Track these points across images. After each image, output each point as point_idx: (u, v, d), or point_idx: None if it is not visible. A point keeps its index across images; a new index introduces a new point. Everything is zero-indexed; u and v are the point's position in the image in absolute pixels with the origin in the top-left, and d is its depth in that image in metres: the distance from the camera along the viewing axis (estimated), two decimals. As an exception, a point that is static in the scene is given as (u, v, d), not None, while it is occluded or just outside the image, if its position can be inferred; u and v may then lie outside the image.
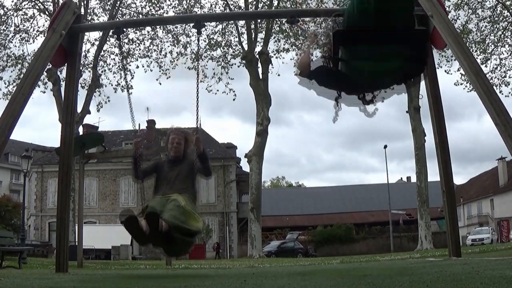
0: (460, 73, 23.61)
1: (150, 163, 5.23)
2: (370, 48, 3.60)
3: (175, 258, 4.82)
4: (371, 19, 3.45)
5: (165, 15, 24.01)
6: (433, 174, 31.37)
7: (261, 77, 24.34)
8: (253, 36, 24.61)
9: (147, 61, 25.32)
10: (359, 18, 3.52)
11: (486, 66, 24.41)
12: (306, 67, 4.14)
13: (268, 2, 24.39)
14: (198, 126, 5.43)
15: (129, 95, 5.73)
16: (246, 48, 24.57)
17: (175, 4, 24.56)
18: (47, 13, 23.78)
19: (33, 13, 24.29)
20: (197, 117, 5.17)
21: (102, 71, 24.91)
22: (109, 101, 25.19)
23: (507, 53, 24.92)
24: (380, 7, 3.39)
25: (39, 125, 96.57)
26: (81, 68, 21.18)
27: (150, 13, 24.34)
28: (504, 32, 24.48)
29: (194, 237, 4.63)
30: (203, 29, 6.48)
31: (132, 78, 25.58)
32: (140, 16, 24.25)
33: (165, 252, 4.77)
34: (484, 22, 24.36)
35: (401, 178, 66.45)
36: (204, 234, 33.21)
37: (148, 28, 24.54)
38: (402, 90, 4.21)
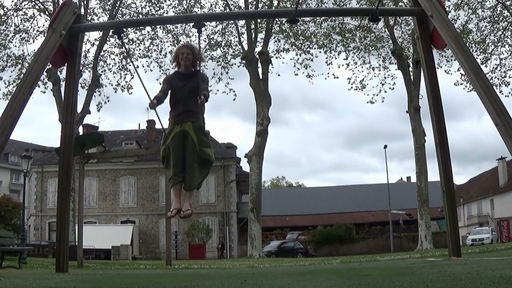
0: (460, 73, 23.64)
1: (163, 84, 5.25)
2: None
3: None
4: None
5: (165, 15, 24.02)
6: (433, 174, 31.47)
7: (261, 77, 24.34)
8: (253, 36, 24.61)
9: (147, 61, 25.35)
10: None
11: (486, 66, 24.45)
12: None
13: (268, 2, 24.39)
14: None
15: (140, 77, 5.85)
16: (246, 48, 24.57)
17: (175, 4, 24.60)
18: (47, 13, 23.77)
19: (33, 13, 24.30)
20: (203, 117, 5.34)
21: (102, 71, 24.93)
22: (108, 101, 25.25)
23: (507, 53, 24.95)
24: None
25: (39, 125, 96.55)
26: (81, 68, 21.20)
27: (150, 13, 24.34)
28: (504, 32, 24.49)
29: (209, 167, 5.07)
30: (203, 29, 6.48)
31: (133, 77, 25.58)
32: (140, 16, 24.25)
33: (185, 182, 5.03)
34: (484, 22, 24.38)
35: (401, 178, 66.44)
36: (204, 234, 33.24)
37: (148, 28, 24.55)
38: None
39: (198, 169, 4.90)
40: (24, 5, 24.08)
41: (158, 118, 5.57)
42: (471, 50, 17.61)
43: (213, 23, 24.17)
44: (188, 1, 24.66)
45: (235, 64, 25.38)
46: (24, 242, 19.42)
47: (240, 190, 40.44)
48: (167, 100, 5.13)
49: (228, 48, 25.42)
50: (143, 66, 25.69)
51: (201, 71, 5.33)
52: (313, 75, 25.62)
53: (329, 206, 49.13)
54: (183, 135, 4.92)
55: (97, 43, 24.33)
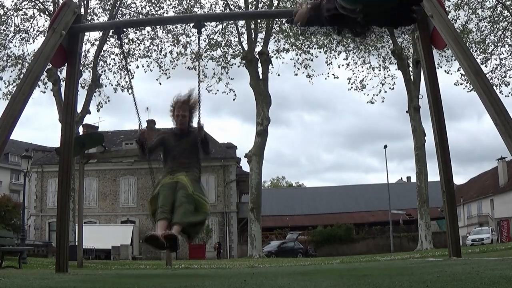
0: (460, 73, 23.63)
1: (156, 138, 5.19)
2: None
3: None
4: None
5: (165, 15, 24.02)
6: (433, 174, 31.41)
7: (261, 77, 24.34)
8: (253, 36, 24.60)
9: (147, 61, 25.34)
10: None
11: (486, 66, 24.43)
12: (304, 17, 4.12)
13: (268, 2, 24.39)
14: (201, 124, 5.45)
15: (133, 93, 5.71)
16: (246, 48, 24.57)
17: (175, 4, 24.59)
18: (47, 13, 23.77)
19: (33, 13, 24.30)
20: (199, 117, 5.18)
21: (102, 71, 24.93)
22: (109, 101, 25.23)
23: (507, 53, 24.94)
24: None
25: (39, 125, 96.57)
26: (81, 68, 21.20)
27: (150, 13, 24.33)
28: (504, 32, 24.48)
29: (204, 222, 4.78)
30: (203, 29, 6.47)
31: (133, 77, 25.57)
32: (140, 16, 24.25)
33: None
34: (484, 22, 24.37)
35: (401, 178, 66.43)
36: (204, 234, 33.24)
37: (148, 28, 24.54)
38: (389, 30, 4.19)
39: (192, 211, 4.47)
40: (24, 5, 24.10)
41: (143, 148, 5.11)
42: (471, 50, 17.61)
43: (213, 23, 24.17)
44: (188, 1, 24.67)
45: (235, 64, 25.40)
46: (24, 242, 19.42)
47: (240, 190, 40.43)
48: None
49: (228, 48, 25.44)
50: (143, 66, 25.75)
51: (201, 137, 4.99)
52: (313, 75, 25.63)
53: (329, 206, 49.11)
54: (175, 183, 4.62)
55: (97, 43, 24.34)
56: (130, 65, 24.90)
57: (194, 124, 5.07)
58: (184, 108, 5.01)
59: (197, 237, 4.89)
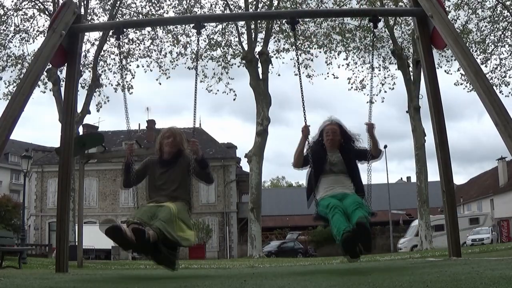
0: (460, 73, 23.62)
1: (140, 165, 4.86)
2: None
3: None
4: None
5: (165, 15, 24.02)
6: (433, 174, 31.41)
7: (261, 77, 24.33)
8: (253, 36, 24.61)
9: (147, 61, 25.33)
10: None
11: (486, 66, 24.42)
12: (300, 163, 5.03)
13: (268, 2, 24.39)
14: (196, 126, 5.30)
15: (125, 97, 5.37)
16: (246, 48, 24.57)
17: (175, 4, 24.59)
18: (47, 13, 23.76)
19: (33, 13, 24.29)
20: (195, 118, 4.98)
21: (102, 71, 24.92)
22: (108, 101, 25.21)
23: (507, 53, 24.93)
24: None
25: (39, 125, 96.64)
26: (81, 68, 21.21)
27: (150, 13, 24.33)
28: (504, 32, 24.47)
29: (178, 251, 4.45)
30: (203, 29, 6.48)
31: (133, 77, 25.58)
32: (140, 16, 24.24)
33: (152, 259, 4.43)
34: (484, 22, 24.36)
35: (401, 178, 66.42)
36: (204, 234, 33.22)
37: (148, 28, 24.53)
38: None
39: (173, 229, 4.09)
40: (24, 5, 24.09)
41: (130, 171, 4.83)
42: (471, 50, 17.63)
43: (213, 23, 24.16)
44: (188, 1, 24.67)
45: (235, 64, 25.40)
46: (24, 242, 19.43)
47: (240, 190, 40.43)
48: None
49: (228, 48, 25.43)
50: (143, 66, 25.72)
51: (198, 158, 4.61)
52: (313, 75, 25.63)
53: (329, 206, 49.05)
54: (158, 206, 4.27)
55: (97, 43, 24.34)
56: (130, 65, 24.95)
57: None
58: (171, 133, 4.74)
59: (166, 266, 4.45)
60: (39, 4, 24.13)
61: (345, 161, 4.93)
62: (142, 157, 5.24)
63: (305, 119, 5.04)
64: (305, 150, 4.95)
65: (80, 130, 26.10)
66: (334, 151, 5.00)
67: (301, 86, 5.19)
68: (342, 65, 25.96)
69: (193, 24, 6.02)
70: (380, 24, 23.68)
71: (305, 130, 4.93)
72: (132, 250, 4.20)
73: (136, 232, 3.90)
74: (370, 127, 5.09)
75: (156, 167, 4.73)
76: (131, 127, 5.40)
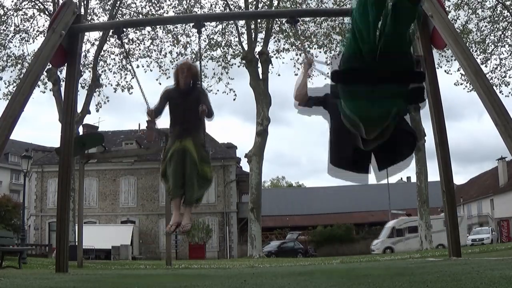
0: (460, 73, 23.59)
1: (160, 99, 5.25)
2: (368, 88, 3.58)
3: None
4: (368, 61, 3.43)
5: (165, 15, 24.02)
6: (433, 174, 31.34)
7: (261, 77, 24.33)
8: (253, 36, 24.60)
9: (147, 61, 25.32)
10: (355, 59, 3.49)
11: (486, 66, 24.39)
12: (304, 97, 4.29)
13: (268, 2, 24.39)
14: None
15: (137, 80, 5.74)
16: (246, 48, 24.57)
17: (175, 4, 24.58)
18: (47, 13, 23.76)
19: (33, 13, 24.29)
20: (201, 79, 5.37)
21: (102, 71, 24.92)
22: (108, 101, 25.20)
23: (507, 53, 24.91)
24: (379, 49, 3.38)
25: (39, 125, 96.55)
26: (81, 68, 21.20)
27: (150, 13, 24.33)
28: (504, 32, 24.46)
29: (208, 183, 5.02)
30: (203, 29, 6.48)
31: (133, 77, 25.57)
32: (140, 16, 24.24)
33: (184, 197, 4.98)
34: (484, 22, 24.35)
35: (401, 178, 66.31)
36: (204, 234, 33.22)
37: (148, 28, 24.53)
38: (408, 163, 4.23)
39: (198, 183, 4.87)
40: (24, 5, 24.08)
41: (154, 125, 5.58)
42: (471, 50, 17.61)
43: (213, 23, 24.17)
44: (188, 1, 24.67)
45: (235, 64, 25.39)
46: (24, 242, 19.42)
47: (240, 190, 40.41)
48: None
49: (228, 48, 25.42)
50: (143, 66, 25.71)
51: (201, 86, 5.32)
52: (313, 75, 25.58)
53: (329, 206, 49.08)
54: (183, 151, 4.87)
55: (97, 43, 24.33)
56: (130, 65, 24.94)
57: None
58: (188, 67, 5.18)
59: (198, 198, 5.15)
60: (39, 4, 24.13)
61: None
62: (143, 157, 5.32)
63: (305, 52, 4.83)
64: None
65: (80, 130, 26.10)
66: None
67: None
68: (342, 65, 25.90)
69: (193, 24, 6.02)
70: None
71: (309, 62, 4.68)
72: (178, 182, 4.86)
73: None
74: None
75: (174, 96, 5.12)
76: (135, 125, 5.67)
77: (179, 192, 4.81)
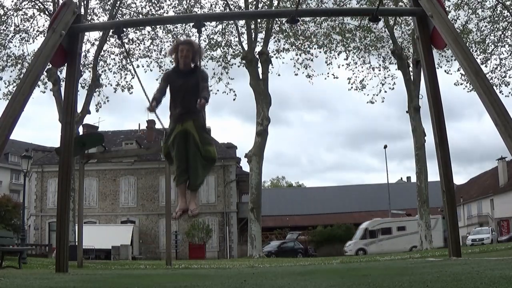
0: (460, 73, 23.62)
1: (161, 81, 5.26)
2: None
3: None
4: None
5: (165, 15, 24.02)
6: (433, 174, 31.42)
7: (261, 77, 24.33)
8: (253, 36, 24.61)
9: (147, 61, 25.34)
10: None
11: (486, 66, 24.41)
12: None
13: (268, 2, 24.39)
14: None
15: (138, 79, 5.88)
16: (246, 48, 24.57)
17: (175, 4, 24.59)
18: (47, 13, 23.76)
19: (33, 13, 24.28)
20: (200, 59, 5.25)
21: (102, 71, 24.92)
22: (108, 101, 25.19)
23: (507, 53, 24.93)
24: None
25: (39, 125, 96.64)
26: (81, 68, 21.20)
27: (150, 13, 24.33)
28: (504, 32, 24.47)
29: (212, 164, 5.05)
30: (203, 29, 6.49)
31: (133, 77, 25.57)
32: (140, 16, 24.24)
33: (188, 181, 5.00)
34: (484, 22, 24.36)
35: (401, 178, 66.39)
36: (204, 234, 33.22)
37: (148, 28, 24.54)
38: None
39: (201, 167, 4.90)
40: (24, 5, 24.08)
41: (158, 119, 5.50)
42: (471, 50, 17.61)
43: (213, 23, 24.18)
44: (188, 1, 24.67)
45: (235, 64, 25.40)
46: (24, 242, 19.42)
47: (240, 190, 40.42)
48: (166, 99, 5.11)
49: (228, 48, 25.44)
50: (143, 66, 25.72)
51: (201, 67, 5.22)
52: (313, 75, 25.59)
53: (329, 206, 49.11)
54: (185, 134, 4.86)
55: (97, 43, 24.33)
56: (130, 65, 24.94)
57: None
58: (188, 45, 5.04)
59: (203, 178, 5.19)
60: (39, 4, 24.13)
61: None
62: (143, 157, 5.31)
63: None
64: None
65: (80, 130, 26.10)
66: None
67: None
68: (342, 65, 25.97)
69: (193, 23, 6.02)
70: (380, 24, 23.84)
71: None
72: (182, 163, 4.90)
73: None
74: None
75: (174, 78, 5.05)
76: (135, 125, 5.62)
77: (184, 177, 4.83)
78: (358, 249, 32.46)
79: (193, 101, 4.87)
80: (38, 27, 24.46)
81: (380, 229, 33.35)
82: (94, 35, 25.37)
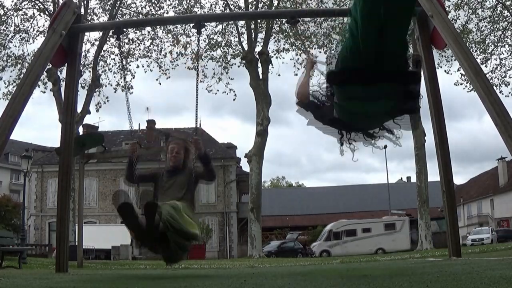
0: (460, 73, 23.61)
1: (149, 171, 5.02)
2: (363, 88, 3.62)
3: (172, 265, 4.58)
4: (365, 61, 3.45)
5: (165, 15, 24.01)
6: (433, 174, 31.39)
7: (261, 77, 24.33)
8: (253, 36, 24.60)
9: (147, 61, 25.34)
10: (352, 59, 3.51)
11: (486, 66, 24.40)
12: (305, 97, 4.26)
13: (268, 2, 24.38)
14: (197, 126, 5.37)
15: (127, 97, 5.43)
16: (246, 48, 24.56)
17: (175, 4, 24.58)
18: (47, 13, 23.76)
19: (33, 13, 24.29)
20: (196, 118, 5.04)
21: (102, 71, 24.92)
22: (108, 101, 25.19)
23: (507, 53, 24.92)
24: (375, 49, 3.39)
25: (39, 125, 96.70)
26: (81, 68, 21.18)
27: (150, 13, 24.32)
28: (504, 32, 24.46)
29: (190, 242, 4.39)
30: (203, 29, 6.48)
31: (133, 77, 25.58)
32: (140, 16, 24.24)
33: (161, 255, 4.53)
34: (484, 22, 24.35)
35: (401, 178, 66.44)
36: (204, 234, 33.21)
37: (148, 28, 24.53)
38: (407, 127, 4.25)
39: (176, 241, 4.15)
40: (24, 5, 24.08)
41: (133, 169, 4.83)
42: (471, 50, 17.59)
43: (213, 23, 24.16)
44: (188, 1, 24.66)
45: (235, 64, 25.39)
46: (24, 242, 19.42)
47: (240, 190, 40.43)
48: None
49: (228, 48, 25.43)
50: (143, 66, 25.72)
51: (200, 154, 4.71)
52: (313, 75, 25.60)
53: (329, 206, 49.12)
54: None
55: (97, 43, 24.33)
56: (130, 65, 24.95)
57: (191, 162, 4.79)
58: (179, 145, 4.85)
59: (176, 260, 4.51)
60: (39, 4, 24.13)
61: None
62: (143, 157, 5.22)
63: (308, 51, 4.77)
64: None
65: (80, 130, 26.10)
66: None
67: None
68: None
69: (193, 24, 6.02)
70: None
71: (311, 62, 4.60)
72: (142, 235, 4.12)
73: (148, 206, 3.96)
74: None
75: (163, 176, 4.80)
76: (133, 127, 5.40)
77: (154, 201, 4.25)
78: (322, 251, 32.28)
79: (181, 193, 4.57)
80: (38, 27, 24.49)
81: (344, 231, 33.12)
82: (94, 35, 25.39)
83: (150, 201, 4.08)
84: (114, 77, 30.95)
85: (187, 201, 4.57)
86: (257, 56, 24.42)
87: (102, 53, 24.71)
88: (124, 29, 7.49)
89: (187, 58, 24.55)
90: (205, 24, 7.54)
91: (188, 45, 24.58)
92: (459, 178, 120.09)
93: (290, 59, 25.76)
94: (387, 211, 38.46)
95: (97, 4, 24.86)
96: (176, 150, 4.81)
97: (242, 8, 24.32)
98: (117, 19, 22.66)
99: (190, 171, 4.73)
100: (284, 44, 25.24)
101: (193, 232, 4.24)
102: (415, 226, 33.08)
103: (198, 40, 6.17)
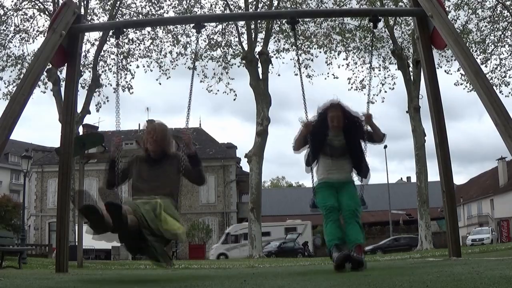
0: (460, 73, 23.59)
1: (125, 164, 4.46)
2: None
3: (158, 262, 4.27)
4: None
5: (165, 15, 24.01)
6: (433, 174, 31.40)
7: (261, 77, 24.31)
8: (253, 36, 24.59)
9: (147, 61, 25.32)
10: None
11: (486, 66, 24.39)
12: (300, 149, 5.05)
13: (268, 2, 24.38)
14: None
15: (117, 97, 5.19)
16: (246, 48, 24.55)
17: (175, 4, 24.57)
18: (47, 13, 23.75)
19: (33, 13, 24.27)
20: (188, 114, 4.85)
21: (102, 71, 24.92)
22: (108, 101, 25.17)
23: (507, 53, 24.92)
24: None
25: (39, 125, 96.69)
26: (81, 68, 21.17)
27: (150, 13, 24.32)
28: (504, 32, 24.46)
29: (170, 242, 4.14)
30: (203, 29, 6.48)
31: (133, 77, 25.57)
32: (140, 16, 24.24)
33: (133, 247, 4.09)
34: (484, 22, 24.35)
35: (401, 178, 66.42)
36: (204, 234, 33.21)
37: (148, 28, 24.52)
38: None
39: (160, 223, 3.85)
40: (24, 5, 24.07)
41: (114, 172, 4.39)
42: (471, 50, 17.61)
43: (213, 23, 24.16)
44: (188, 1, 24.66)
45: (235, 64, 25.37)
46: (24, 242, 19.42)
47: (240, 190, 40.44)
48: None
49: (228, 48, 25.42)
50: (143, 66, 25.71)
51: (190, 153, 4.31)
52: (313, 75, 25.59)
53: (329, 206, 49.07)
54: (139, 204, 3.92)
55: (97, 43, 24.32)
56: (130, 65, 24.96)
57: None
58: (162, 128, 4.39)
59: (156, 258, 3.97)
60: (39, 4, 24.11)
61: (348, 144, 4.85)
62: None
63: (306, 116, 5.02)
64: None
65: (80, 130, 26.09)
66: (337, 134, 4.88)
67: (302, 83, 5.19)
68: (342, 65, 25.96)
69: (193, 25, 6.02)
70: (380, 24, 23.70)
71: (309, 126, 4.88)
72: (109, 231, 3.73)
73: (111, 206, 3.56)
74: (368, 119, 5.04)
75: (142, 163, 4.36)
76: (121, 127, 5.14)
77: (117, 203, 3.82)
78: (220, 254, 32.04)
79: (163, 185, 4.17)
80: (38, 27, 24.45)
81: (242, 234, 32.88)
82: (94, 35, 25.37)
83: (111, 203, 3.66)
84: (114, 77, 30.96)
85: (171, 196, 4.18)
86: (257, 56, 24.40)
87: (102, 53, 24.71)
88: (124, 29, 7.49)
89: (187, 58, 24.57)
90: (205, 24, 7.54)
91: (188, 45, 24.60)
92: (459, 178, 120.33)
93: (290, 59, 25.80)
94: (387, 211, 38.46)
95: (97, 4, 24.86)
96: (156, 134, 4.30)
97: (242, 8, 24.31)
98: (117, 19, 22.65)
99: (177, 160, 4.26)
100: (284, 44, 25.26)
101: (169, 233, 3.92)
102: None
103: (197, 42, 6.16)
